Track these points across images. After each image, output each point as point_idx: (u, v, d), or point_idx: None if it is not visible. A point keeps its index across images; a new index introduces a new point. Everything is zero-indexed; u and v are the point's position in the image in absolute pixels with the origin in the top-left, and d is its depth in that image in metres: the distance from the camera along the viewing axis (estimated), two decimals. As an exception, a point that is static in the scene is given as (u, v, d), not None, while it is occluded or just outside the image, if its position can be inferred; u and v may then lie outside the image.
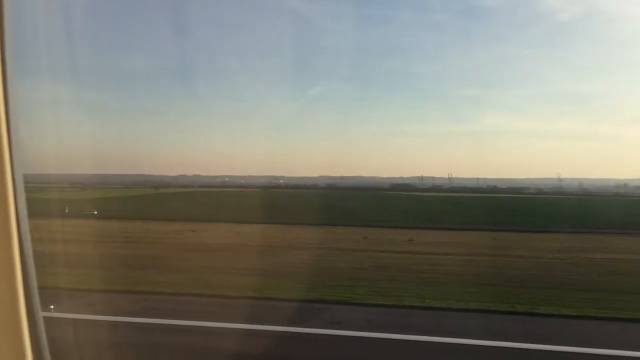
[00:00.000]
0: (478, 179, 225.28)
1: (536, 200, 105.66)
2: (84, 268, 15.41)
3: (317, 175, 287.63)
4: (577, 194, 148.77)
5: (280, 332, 14.75)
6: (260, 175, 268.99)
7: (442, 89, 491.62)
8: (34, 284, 2.86)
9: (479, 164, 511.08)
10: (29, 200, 2.96)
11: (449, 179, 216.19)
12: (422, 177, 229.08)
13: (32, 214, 3.01)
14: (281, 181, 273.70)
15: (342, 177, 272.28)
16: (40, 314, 2.97)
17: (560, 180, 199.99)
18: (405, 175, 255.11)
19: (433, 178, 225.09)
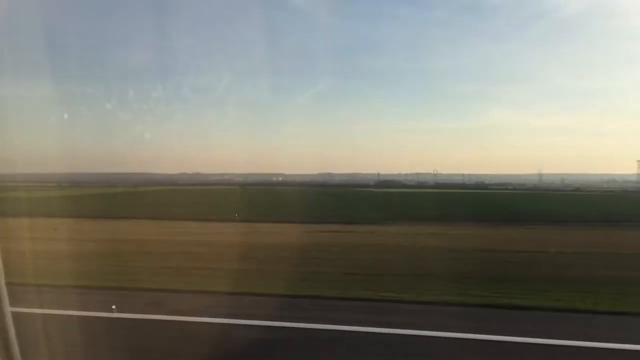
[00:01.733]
0: (463, 174, 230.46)
1: (481, 195, 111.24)
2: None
3: (315, 172, 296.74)
4: (541, 189, 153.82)
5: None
6: (260, 173, 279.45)
7: (444, 85, 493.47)
8: (2, 280, 2.85)
9: (472, 160, 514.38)
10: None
11: (435, 174, 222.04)
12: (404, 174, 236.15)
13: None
14: (280, 178, 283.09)
15: (340, 174, 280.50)
16: (9, 310, 2.95)
17: (540, 175, 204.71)
18: (405, 172, 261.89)
19: (418, 174, 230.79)
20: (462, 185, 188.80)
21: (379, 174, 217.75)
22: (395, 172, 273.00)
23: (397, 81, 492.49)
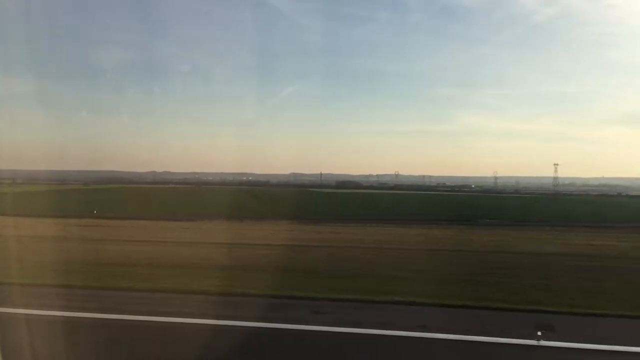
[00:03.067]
0: (424, 176, 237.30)
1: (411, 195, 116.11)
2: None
3: (287, 172, 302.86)
4: (487, 192, 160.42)
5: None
6: (230, 172, 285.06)
7: (417, 88, 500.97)
8: None
9: (439, 162, 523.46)
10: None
11: (396, 176, 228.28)
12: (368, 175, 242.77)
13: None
14: (250, 178, 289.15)
15: (309, 175, 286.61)
16: None
17: (495, 178, 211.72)
18: (373, 173, 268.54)
19: (378, 176, 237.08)
20: (415, 187, 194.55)
21: (321, 174, 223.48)
22: (367, 173, 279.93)
23: (371, 84, 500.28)
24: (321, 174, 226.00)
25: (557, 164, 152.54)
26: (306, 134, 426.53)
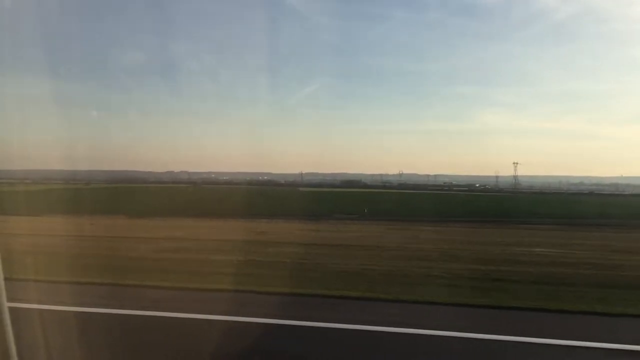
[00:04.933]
0: (428, 175, 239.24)
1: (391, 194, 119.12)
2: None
3: (301, 171, 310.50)
4: (474, 191, 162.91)
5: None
6: (247, 172, 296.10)
7: (437, 87, 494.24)
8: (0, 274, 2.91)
9: (454, 162, 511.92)
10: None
11: (400, 175, 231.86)
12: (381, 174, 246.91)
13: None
14: (265, 177, 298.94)
15: (326, 174, 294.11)
16: (6, 305, 3.00)
17: (497, 177, 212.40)
18: (389, 172, 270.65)
19: (382, 175, 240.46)
20: (412, 186, 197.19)
21: (302, 173, 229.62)
22: (382, 172, 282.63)
23: (389, 83, 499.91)
24: (302, 173, 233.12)
25: (516, 163, 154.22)
26: (322, 133, 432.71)
